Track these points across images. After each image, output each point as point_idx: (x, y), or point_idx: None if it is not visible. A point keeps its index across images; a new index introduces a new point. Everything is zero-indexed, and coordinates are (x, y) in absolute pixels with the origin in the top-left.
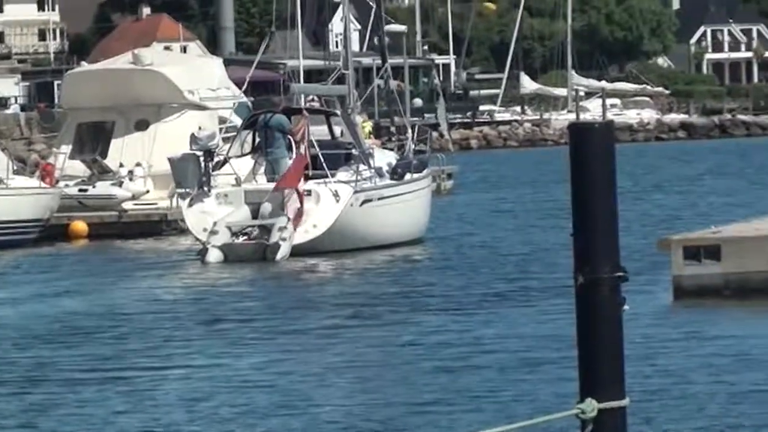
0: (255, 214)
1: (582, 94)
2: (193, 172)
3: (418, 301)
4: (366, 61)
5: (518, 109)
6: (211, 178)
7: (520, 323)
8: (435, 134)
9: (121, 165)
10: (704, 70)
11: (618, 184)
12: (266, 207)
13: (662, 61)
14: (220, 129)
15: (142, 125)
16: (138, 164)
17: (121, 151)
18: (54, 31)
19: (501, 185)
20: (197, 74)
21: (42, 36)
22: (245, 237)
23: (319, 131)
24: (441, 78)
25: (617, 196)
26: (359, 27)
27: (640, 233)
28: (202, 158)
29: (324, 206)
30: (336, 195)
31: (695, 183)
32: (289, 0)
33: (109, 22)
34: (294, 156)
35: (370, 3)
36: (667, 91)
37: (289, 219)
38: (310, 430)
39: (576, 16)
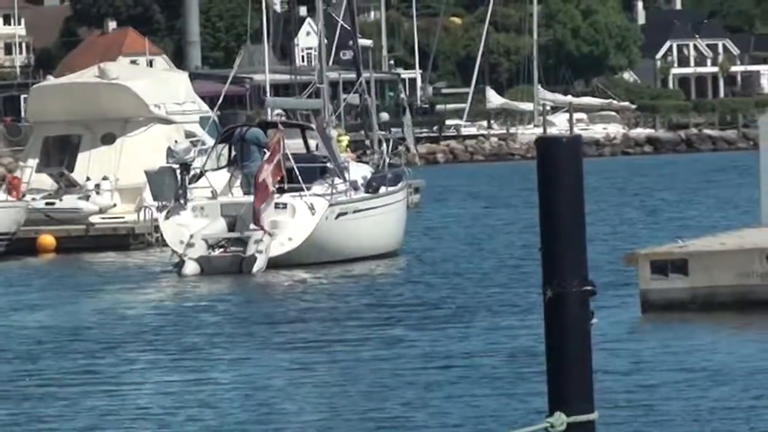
0: (231, 227)
1: (548, 108)
2: (170, 185)
3: (386, 316)
4: (332, 75)
5: (484, 123)
6: (188, 191)
7: (489, 338)
8: (401, 148)
9: (87, 179)
10: (670, 84)
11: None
12: (242, 219)
13: (628, 75)
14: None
15: (108, 139)
16: (105, 178)
17: (88, 164)
18: (20, 45)
19: (468, 199)
20: (163, 88)
21: (8, 50)
22: (221, 249)
23: (294, 145)
24: (407, 92)
25: (584, 210)
26: (325, 41)
27: (605, 247)
28: (178, 171)
29: (299, 219)
30: (311, 208)
31: (660, 197)
32: (256, 15)
33: (75, 36)
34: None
35: (336, 18)
36: (633, 106)
37: (265, 232)
38: None
39: (542, 31)
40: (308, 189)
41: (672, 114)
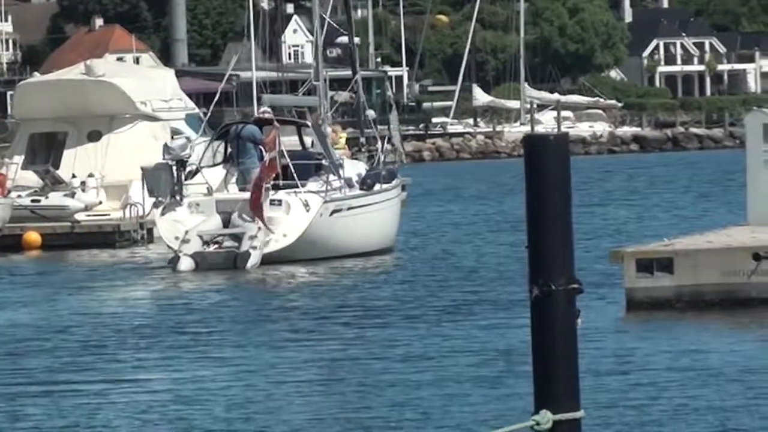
0: (226, 223)
1: (535, 106)
2: (166, 182)
3: (376, 314)
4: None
5: (471, 121)
6: (183, 187)
7: (475, 336)
8: (388, 146)
9: (73, 176)
10: (657, 83)
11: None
12: (237, 216)
13: (615, 73)
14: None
15: (94, 136)
16: (90, 175)
17: (74, 161)
18: (6, 41)
19: (454, 197)
20: (150, 85)
21: None
22: (216, 245)
23: (290, 142)
24: (394, 90)
25: (571, 208)
26: (312, 39)
27: (590, 246)
28: (174, 168)
29: (294, 216)
30: (306, 205)
31: (645, 196)
32: (244, 12)
33: (61, 33)
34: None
35: (323, 15)
36: (619, 104)
37: (260, 228)
38: None
39: (528, 28)
40: (303, 186)
41: (659, 112)
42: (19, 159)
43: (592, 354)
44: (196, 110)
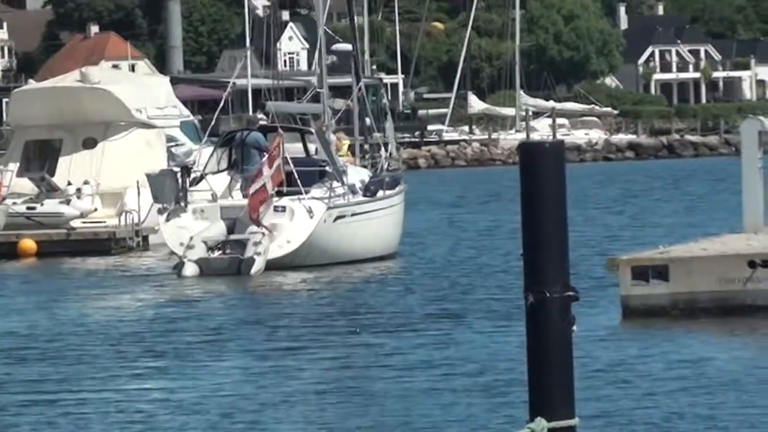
0: (231, 230)
1: (530, 113)
2: (170, 188)
3: (379, 321)
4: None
5: (466, 128)
6: (188, 193)
7: (470, 344)
8: (383, 153)
9: (69, 183)
10: (652, 90)
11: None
12: (242, 222)
13: (610, 81)
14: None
15: (89, 143)
16: (86, 182)
17: (69, 169)
18: (2, 49)
19: (449, 205)
20: (145, 92)
21: None
22: (220, 251)
23: (293, 149)
24: (389, 97)
25: (567, 216)
26: (307, 46)
27: (586, 253)
28: (179, 174)
29: (298, 222)
30: (310, 211)
31: (640, 203)
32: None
33: (57, 40)
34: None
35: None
36: (615, 112)
37: (264, 234)
38: None
39: (524, 36)
40: (307, 192)
41: (654, 120)
42: (14, 166)
43: (587, 361)
44: (191, 117)
